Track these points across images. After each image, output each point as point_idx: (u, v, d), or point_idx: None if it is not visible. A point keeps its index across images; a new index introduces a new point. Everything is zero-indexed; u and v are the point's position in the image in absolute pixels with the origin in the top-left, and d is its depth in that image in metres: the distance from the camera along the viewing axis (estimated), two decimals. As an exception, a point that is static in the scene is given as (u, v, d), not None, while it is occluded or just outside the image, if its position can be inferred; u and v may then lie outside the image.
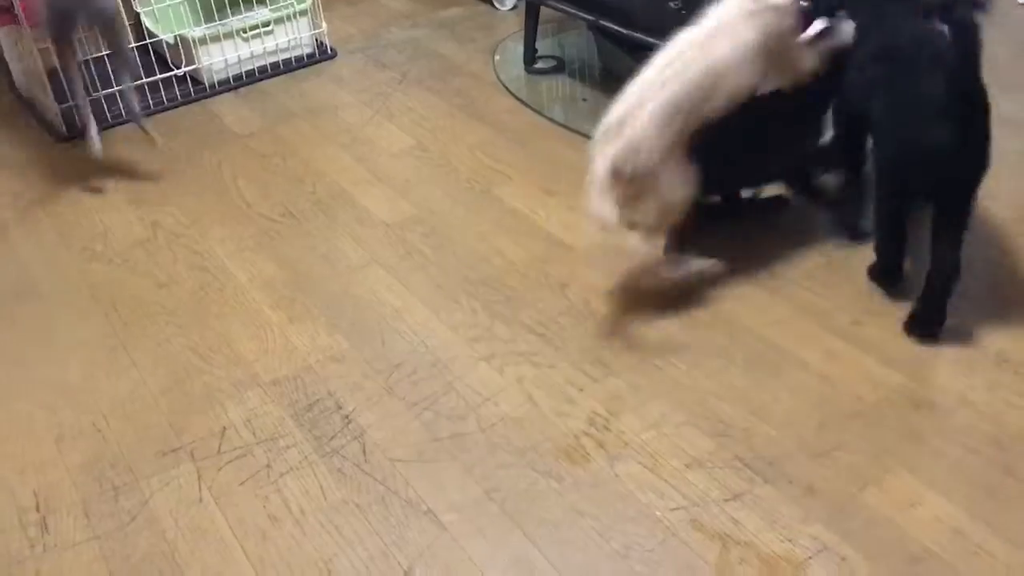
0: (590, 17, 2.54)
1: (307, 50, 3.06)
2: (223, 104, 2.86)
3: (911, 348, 1.73)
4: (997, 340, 1.72)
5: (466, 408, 1.69)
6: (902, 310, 1.79)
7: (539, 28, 2.83)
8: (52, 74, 2.64)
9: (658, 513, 1.46)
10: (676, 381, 1.71)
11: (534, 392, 1.71)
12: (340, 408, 1.72)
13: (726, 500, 1.47)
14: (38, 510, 1.56)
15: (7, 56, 2.85)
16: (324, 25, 3.06)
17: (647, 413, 1.65)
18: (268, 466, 1.61)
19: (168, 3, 2.93)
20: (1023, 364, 1.67)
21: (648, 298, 1.91)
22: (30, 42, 2.59)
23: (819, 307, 1.85)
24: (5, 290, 2.13)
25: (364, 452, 1.62)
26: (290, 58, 3.02)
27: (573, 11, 2.60)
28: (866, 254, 1.91)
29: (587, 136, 2.48)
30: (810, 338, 1.78)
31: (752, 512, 1.45)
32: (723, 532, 1.42)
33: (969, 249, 1.69)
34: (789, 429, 1.59)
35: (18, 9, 2.51)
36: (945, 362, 1.70)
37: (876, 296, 1.86)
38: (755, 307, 1.87)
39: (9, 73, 2.93)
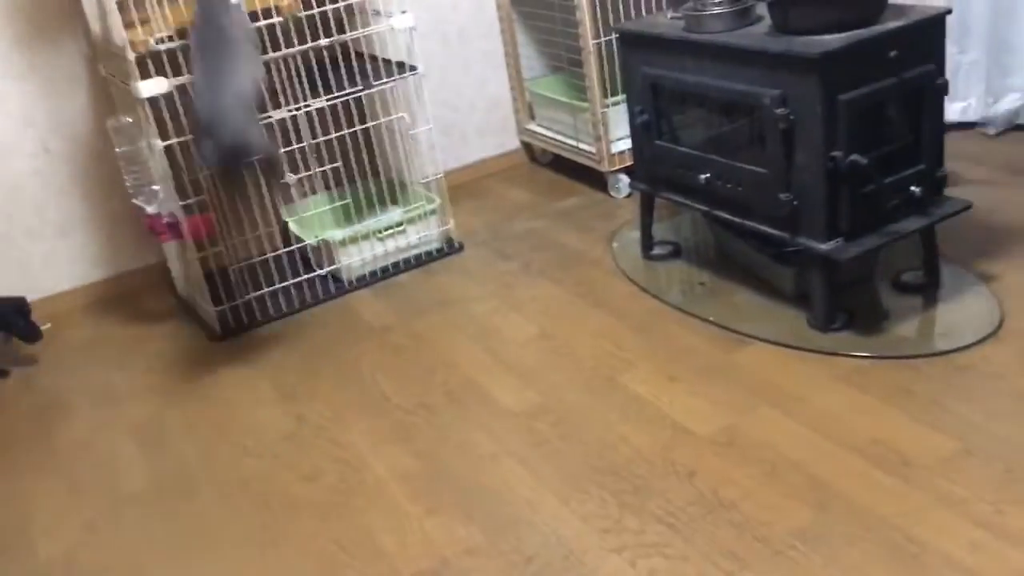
0: (703, 207, 2.66)
1: (436, 245, 3.28)
2: (361, 300, 3.07)
3: (1060, 539, 1.67)
4: None
5: (601, 604, 1.71)
6: (1046, 498, 1.75)
7: (655, 213, 2.97)
8: (209, 279, 2.92)
9: None
10: (812, 575, 1.69)
11: (668, 587, 1.72)
12: (478, 604, 1.76)
13: None
14: None
15: (170, 264, 3.16)
16: (451, 221, 3.29)
17: (785, 610, 1.63)
18: (410, 665, 1.65)
19: (312, 212, 3.22)
20: None
21: (777, 486, 1.92)
22: (192, 252, 2.88)
23: (957, 495, 1.81)
24: (166, 485, 2.30)
25: (502, 651, 1.65)
26: (421, 253, 3.24)
27: (685, 202, 2.73)
28: (1004, 439, 1.89)
29: (706, 320, 2.56)
30: (951, 529, 1.74)
31: None
32: None
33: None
34: (936, 628, 1.55)
35: (184, 228, 2.82)
36: (1099, 554, 1.63)
37: (1016, 484, 1.81)
38: (890, 496, 1.84)
39: (171, 279, 3.23)
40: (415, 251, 3.24)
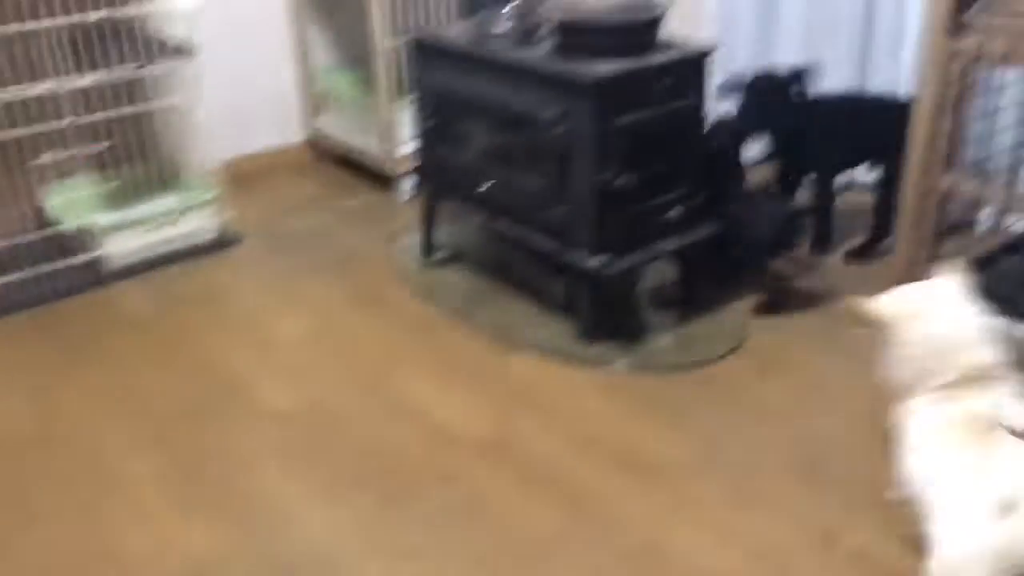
0: (483, 216, 2.72)
1: (211, 236, 3.15)
2: (126, 291, 2.90)
3: (781, 543, 1.84)
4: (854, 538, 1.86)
5: (355, 610, 1.72)
6: (771, 506, 1.92)
7: (438, 217, 3.00)
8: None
9: None
10: (560, 577, 1.78)
11: (423, 592, 1.75)
12: (228, 613, 1.72)
13: None
14: None
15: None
16: (229, 212, 3.18)
17: (532, 611, 1.70)
18: None
19: (76, 195, 3.01)
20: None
21: (534, 491, 1.99)
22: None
23: (696, 499, 1.96)
24: None
25: (251, 660, 1.62)
26: (194, 244, 3.11)
27: (466, 209, 2.78)
28: (740, 447, 2.06)
29: (480, 326, 2.62)
30: (688, 532, 1.87)
31: None
32: None
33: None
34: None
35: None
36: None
37: (747, 489, 1.98)
38: (636, 500, 1.96)
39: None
40: (188, 241, 3.11)
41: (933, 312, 1.46)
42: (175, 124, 3.14)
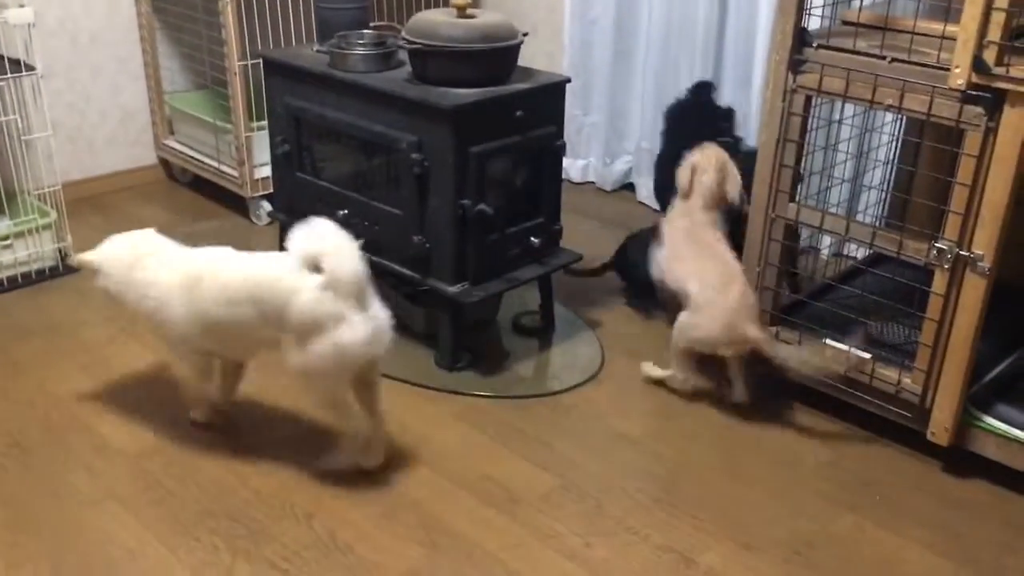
0: (341, 243, 2.66)
1: (49, 263, 2.97)
2: (-50, 321, 2.70)
3: (640, 569, 1.86)
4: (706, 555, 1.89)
5: (200, 660, 1.62)
6: (628, 532, 1.94)
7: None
8: None
9: None
10: (418, 615, 1.73)
11: (274, 637, 1.68)
12: (58, 671, 1.59)
13: None
14: None
15: None
16: (69, 238, 3.00)
17: (389, 652, 1.65)
18: None
19: None
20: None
21: (393, 526, 1.95)
22: None
23: (554, 529, 1.95)
24: None
25: None
26: (30, 271, 2.93)
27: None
28: (597, 475, 2.06)
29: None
30: (546, 562, 1.87)
31: None
32: None
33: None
34: (525, 659, 1.64)
35: None
36: (666, 579, 1.84)
37: (604, 518, 1.99)
38: (495, 531, 1.94)
39: None
40: (23, 268, 2.92)
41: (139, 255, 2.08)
42: (9, 144, 2.95)
